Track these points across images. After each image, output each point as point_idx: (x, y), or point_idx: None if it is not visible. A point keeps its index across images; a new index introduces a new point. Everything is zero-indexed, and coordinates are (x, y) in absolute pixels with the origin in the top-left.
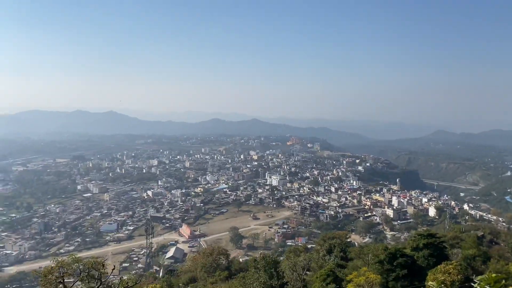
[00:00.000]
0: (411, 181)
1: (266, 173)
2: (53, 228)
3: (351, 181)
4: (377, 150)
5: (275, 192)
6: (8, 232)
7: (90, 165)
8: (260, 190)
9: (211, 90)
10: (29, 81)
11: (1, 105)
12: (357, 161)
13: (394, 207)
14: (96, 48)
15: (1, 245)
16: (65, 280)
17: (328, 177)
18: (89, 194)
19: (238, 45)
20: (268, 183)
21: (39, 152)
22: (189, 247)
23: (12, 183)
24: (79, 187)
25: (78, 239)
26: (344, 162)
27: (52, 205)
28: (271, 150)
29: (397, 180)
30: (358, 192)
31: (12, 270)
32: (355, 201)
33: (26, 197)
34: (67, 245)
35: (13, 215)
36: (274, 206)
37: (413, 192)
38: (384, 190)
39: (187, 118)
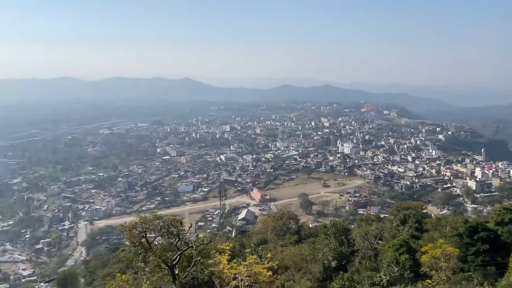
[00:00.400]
0: (498, 151)
1: (338, 141)
2: (136, 187)
3: (430, 151)
4: (461, 118)
5: (347, 160)
6: (98, 190)
7: (168, 130)
8: (331, 158)
9: (282, 56)
10: (113, 50)
11: (89, 73)
12: (438, 129)
13: (477, 179)
14: (172, 18)
15: (92, 200)
16: (147, 235)
17: (405, 146)
18: (167, 157)
19: (309, 7)
20: (339, 151)
21: (123, 116)
22: (259, 210)
23: (99, 145)
24: (158, 150)
25: (158, 198)
26: (423, 130)
27: (135, 166)
28: (343, 117)
29: (482, 150)
30: (438, 162)
31: (101, 223)
32: (433, 171)
33: (112, 158)
34: (148, 203)
35: (101, 174)
36: (346, 174)
37: (500, 163)
38: (467, 160)
39: (258, 84)
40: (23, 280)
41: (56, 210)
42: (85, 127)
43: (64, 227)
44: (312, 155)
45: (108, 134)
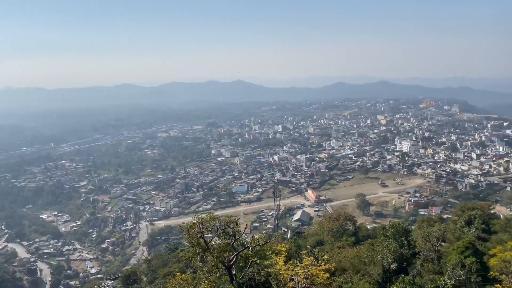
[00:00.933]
0: None
1: (396, 139)
2: (192, 188)
3: (497, 147)
4: None
5: (406, 158)
6: (157, 191)
7: (222, 131)
8: (389, 157)
9: (334, 53)
10: (170, 57)
11: (147, 79)
12: (505, 124)
13: None
14: (223, 20)
15: (151, 202)
16: (204, 235)
17: (469, 142)
18: (221, 158)
19: (361, 1)
20: (398, 149)
21: (179, 119)
22: (315, 211)
23: (158, 148)
24: (213, 151)
25: (214, 199)
26: (489, 126)
27: (191, 168)
28: (401, 114)
29: None
30: (506, 159)
31: (161, 224)
32: (501, 168)
33: (170, 160)
34: (204, 204)
35: (160, 176)
36: (405, 173)
37: None
38: None
39: (310, 83)
40: (91, 277)
41: (119, 211)
42: (144, 131)
43: (126, 227)
44: (368, 154)
45: (166, 137)
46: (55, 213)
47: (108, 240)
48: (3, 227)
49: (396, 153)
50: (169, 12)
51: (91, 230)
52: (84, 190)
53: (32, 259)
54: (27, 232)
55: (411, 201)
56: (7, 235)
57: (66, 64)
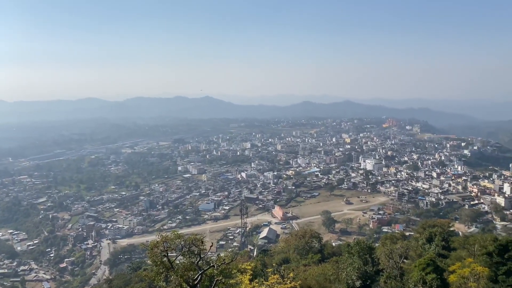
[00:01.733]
0: None
1: (360, 157)
2: (157, 206)
3: (456, 166)
4: (486, 132)
5: (370, 176)
6: (120, 208)
7: (189, 148)
8: (353, 174)
9: (301, 73)
10: (135, 70)
11: (112, 93)
12: (463, 144)
13: (506, 195)
14: (190, 36)
15: (114, 219)
16: (168, 254)
17: (429, 161)
18: (188, 175)
19: (328, 23)
20: (362, 167)
21: (144, 135)
22: (281, 228)
23: (122, 164)
24: (179, 168)
25: (179, 217)
26: (448, 146)
27: (156, 185)
28: (365, 133)
29: (510, 165)
30: (464, 178)
31: (124, 242)
32: (459, 187)
33: (134, 176)
34: (169, 222)
35: (123, 193)
36: (369, 191)
37: None
38: (494, 176)
39: (278, 101)
40: None
41: (80, 229)
42: (108, 147)
43: (87, 245)
44: (334, 172)
45: (130, 153)
46: (11, 231)
47: (67, 260)
48: None
49: (360, 171)
50: (136, 25)
51: (49, 249)
52: (43, 207)
53: None
54: None
55: (374, 218)
56: None
57: (27, 76)
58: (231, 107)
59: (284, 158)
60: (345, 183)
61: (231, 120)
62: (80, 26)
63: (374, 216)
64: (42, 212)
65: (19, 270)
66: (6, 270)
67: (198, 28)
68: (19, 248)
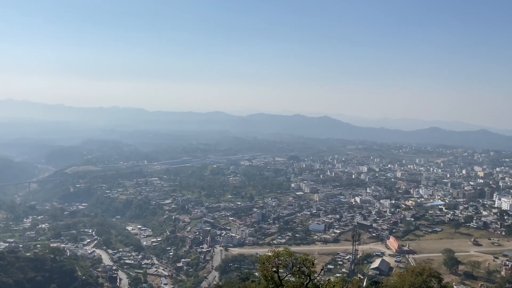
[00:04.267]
0: None
1: (495, 194)
2: (269, 219)
3: None
4: None
5: (506, 217)
6: (234, 218)
7: (303, 166)
8: (484, 213)
9: (431, 96)
10: (258, 88)
11: (237, 108)
12: None
13: None
14: (313, 57)
15: (228, 228)
16: (279, 271)
17: None
18: (300, 193)
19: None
20: (496, 205)
21: (262, 150)
22: (395, 261)
23: (240, 175)
24: (292, 185)
25: (289, 233)
26: None
27: (270, 199)
28: (502, 167)
29: None
30: None
31: (235, 251)
32: None
33: (249, 188)
34: (279, 237)
35: (239, 203)
36: (503, 233)
37: None
38: None
39: (402, 125)
40: None
41: (197, 233)
42: (228, 158)
43: (202, 249)
44: (461, 207)
45: (248, 165)
46: (140, 226)
47: (183, 260)
48: (93, 233)
49: (494, 210)
50: (265, 47)
51: (169, 248)
52: (168, 208)
53: (114, 268)
54: (113, 241)
55: (508, 265)
56: (95, 241)
57: (166, 89)
58: (349, 128)
59: (404, 187)
60: (474, 221)
61: (348, 141)
62: (215, 48)
63: (508, 262)
64: (166, 212)
65: (143, 263)
66: (132, 261)
67: (322, 49)
68: (144, 243)
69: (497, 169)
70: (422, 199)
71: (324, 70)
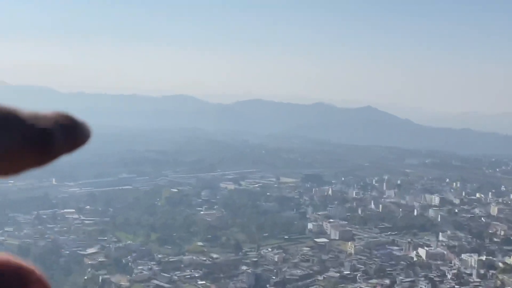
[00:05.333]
0: None
1: None
2: (267, 285)
3: None
4: None
5: None
6: (207, 282)
7: (329, 193)
8: None
9: None
10: (250, 58)
11: (215, 90)
12: None
13: None
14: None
15: None
16: None
17: None
18: (324, 239)
19: None
20: None
21: (258, 163)
22: None
23: (218, 206)
24: (310, 225)
25: None
26: None
27: (269, 249)
28: None
29: None
30: None
31: None
32: None
33: (235, 230)
34: None
35: (216, 255)
36: None
37: None
38: None
39: (501, 125)
40: None
41: None
42: (200, 176)
43: None
44: None
45: (234, 190)
46: None
47: None
48: None
49: None
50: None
51: None
52: (92, 263)
53: None
54: None
55: None
56: None
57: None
58: (409, 128)
59: (503, 232)
60: None
61: (408, 151)
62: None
63: None
64: (89, 270)
65: None
66: None
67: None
68: None
69: None
70: None
71: (364, 31)
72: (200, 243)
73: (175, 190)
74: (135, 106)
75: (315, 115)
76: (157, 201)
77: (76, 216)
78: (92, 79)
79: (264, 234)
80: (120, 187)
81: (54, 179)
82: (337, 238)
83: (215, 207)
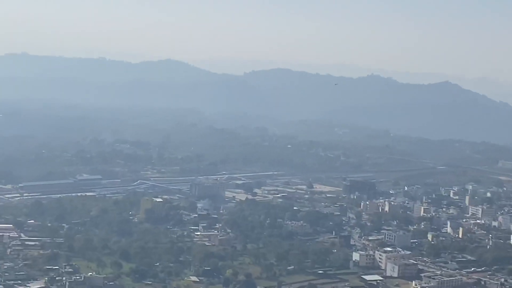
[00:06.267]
0: None
1: None
2: None
3: None
4: None
5: None
6: None
7: (385, 209)
8: None
9: None
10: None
11: (218, 54)
12: None
13: None
14: None
15: None
16: None
17: None
18: (376, 278)
19: None
20: None
21: (280, 162)
22: None
23: (223, 225)
24: (355, 255)
25: None
26: None
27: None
28: None
29: None
30: None
31: None
32: None
33: (246, 260)
34: None
35: None
36: None
37: None
38: None
39: None
40: None
41: None
42: (196, 180)
43: None
44: None
45: (245, 201)
46: None
47: None
48: None
49: None
50: None
51: None
52: None
53: None
54: None
55: None
56: None
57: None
58: (508, 115)
59: None
60: None
61: (504, 149)
62: None
63: None
64: None
65: None
66: None
67: None
68: None
69: None
70: None
71: None
72: (194, 278)
73: (159, 199)
74: (103, 74)
75: (367, 93)
76: (132, 216)
77: (14, 234)
78: (38, 37)
79: (288, 267)
80: (79, 194)
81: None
82: (395, 275)
83: (217, 225)
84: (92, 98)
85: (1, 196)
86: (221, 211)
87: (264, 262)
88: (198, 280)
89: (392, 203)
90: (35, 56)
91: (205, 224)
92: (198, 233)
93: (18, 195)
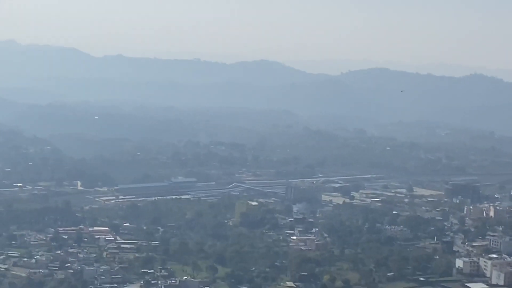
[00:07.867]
0: None
1: None
2: None
3: None
4: None
5: None
6: None
7: (492, 213)
8: None
9: None
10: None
11: (317, 53)
12: None
13: None
14: None
15: None
16: None
17: None
18: (481, 286)
19: None
20: None
21: (380, 166)
22: None
23: (318, 230)
24: (459, 262)
25: None
26: None
27: None
28: None
29: None
30: None
31: None
32: None
33: (344, 265)
34: None
35: None
36: None
37: None
38: None
39: None
40: None
41: None
42: (289, 182)
43: None
44: None
45: (342, 205)
46: None
47: None
48: None
49: None
50: None
51: None
52: None
53: None
54: None
55: None
56: None
57: None
58: None
59: None
60: None
61: None
62: None
63: None
64: None
65: None
66: None
67: None
68: None
69: None
70: None
71: None
72: (290, 284)
73: (254, 203)
74: (197, 76)
75: (470, 92)
76: (227, 219)
77: (110, 237)
78: (133, 39)
79: (388, 274)
80: (174, 197)
81: (79, 182)
82: (501, 283)
83: (313, 230)
84: (187, 100)
85: (97, 199)
86: (318, 215)
87: (363, 268)
88: (294, 285)
89: (498, 207)
90: (130, 58)
91: (301, 228)
92: (294, 238)
93: (114, 197)
